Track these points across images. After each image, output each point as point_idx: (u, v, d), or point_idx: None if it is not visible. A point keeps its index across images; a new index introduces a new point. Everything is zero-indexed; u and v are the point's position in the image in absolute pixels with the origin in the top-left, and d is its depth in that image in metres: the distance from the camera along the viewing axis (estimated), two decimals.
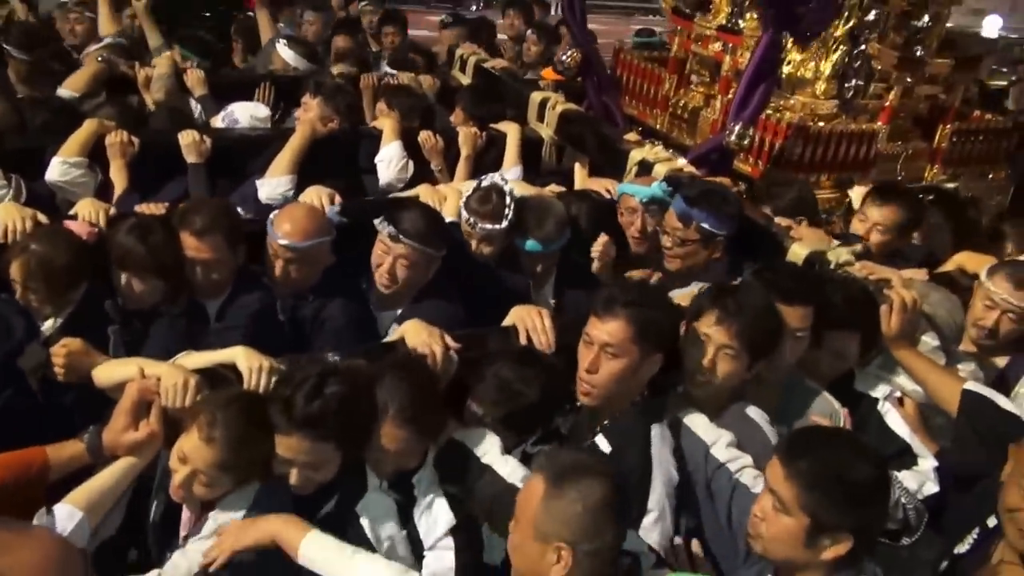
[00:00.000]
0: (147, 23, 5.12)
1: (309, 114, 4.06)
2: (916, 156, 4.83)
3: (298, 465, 2.16)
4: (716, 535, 2.43)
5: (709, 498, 2.46)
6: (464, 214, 3.34)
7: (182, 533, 2.22)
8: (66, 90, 4.12)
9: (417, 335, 2.55)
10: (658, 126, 4.97)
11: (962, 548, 2.41)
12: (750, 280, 2.78)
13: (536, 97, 4.79)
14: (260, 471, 2.18)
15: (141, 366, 2.27)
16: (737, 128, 3.76)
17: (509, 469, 2.32)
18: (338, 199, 3.36)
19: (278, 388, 2.20)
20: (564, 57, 5.00)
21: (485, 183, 3.40)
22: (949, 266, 3.60)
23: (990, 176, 5.24)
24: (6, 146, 3.39)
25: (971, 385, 2.72)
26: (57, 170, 3.38)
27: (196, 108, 4.36)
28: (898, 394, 2.85)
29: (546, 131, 4.69)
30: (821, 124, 4.18)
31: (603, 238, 3.42)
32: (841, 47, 4.34)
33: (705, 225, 3.27)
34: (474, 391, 2.47)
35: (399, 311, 3.21)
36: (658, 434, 2.45)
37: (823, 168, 4.22)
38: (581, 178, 4.30)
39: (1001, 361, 3.11)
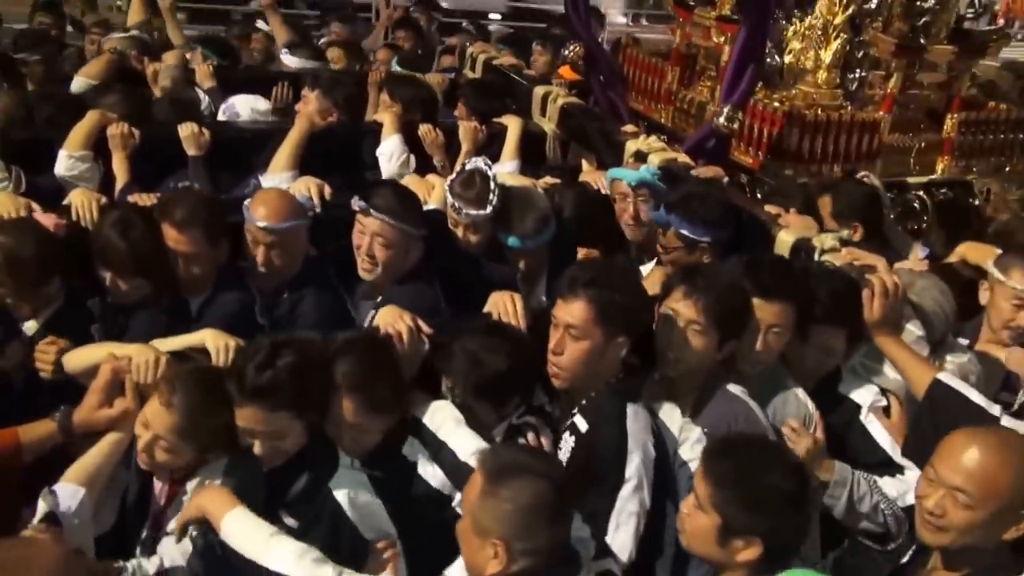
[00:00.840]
0: (171, 22, 5.23)
1: (308, 107, 4.10)
2: (928, 149, 4.67)
3: (259, 436, 2.18)
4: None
5: (675, 494, 2.46)
6: (449, 198, 3.31)
7: (154, 508, 2.27)
8: (82, 78, 4.20)
9: (385, 315, 2.57)
10: (663, 121, 4.91)
11: (905, 558, 2.36)
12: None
13: (539, 91, 4.78)
14: (223, 442, 2.21)
15: (111, 349, 2.32)
16: (726, 110, 3.70)
17: (462, 445, 2.32)
18: (328, 191, 3.37)
19: (235, 361, 2.23)
20: (567, 52, 5.00)
21: (469, 167, 3.39)
22: (952, 258, 3.52)
23: (1007, 168, 5.10)
24: (11, 138, 3.46)
25: (943, 375, 2.61)
26: (64, 164, 3.45)
27: (204, 100, 4.41)
28: (882, 402, 2.76)
29: (548, 125, 4.68)
30: (819, 112, 4.09)
31: (586, 252, 3.36)
32: (841, 35, 4.25)
33: (684, 232, 3.17)
34: (444, 368, 2.48)
35: (379, 299, 3.22)
36: (634, 411, 2.43)
37: (824, 159, 4.13)
38: (589, 174, 4.26)
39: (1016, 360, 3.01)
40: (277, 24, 5.67)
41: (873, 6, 4.35)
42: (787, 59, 4.36)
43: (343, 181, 3.91)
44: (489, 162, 3.45)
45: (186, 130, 3.69)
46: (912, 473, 2.58)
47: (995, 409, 2.51)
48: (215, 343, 2.39)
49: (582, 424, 2.47)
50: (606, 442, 2.39)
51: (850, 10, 4.24)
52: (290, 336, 2.29)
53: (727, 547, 1.99)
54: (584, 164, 4.44)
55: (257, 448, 2.19)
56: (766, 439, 2.36)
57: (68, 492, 2.15)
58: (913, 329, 2.81)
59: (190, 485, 2.23)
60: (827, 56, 4.29)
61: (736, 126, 3.75)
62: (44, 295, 2.69)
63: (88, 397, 2.25)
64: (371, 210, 3.02)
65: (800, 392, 2.72)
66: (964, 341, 3.14)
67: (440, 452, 2.33)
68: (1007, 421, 2.47)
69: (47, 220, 2.81)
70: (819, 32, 4.25)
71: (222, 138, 3.85)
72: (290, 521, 2.18)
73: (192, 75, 4.59)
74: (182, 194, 3.04)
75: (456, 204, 3.30)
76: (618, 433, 2.38)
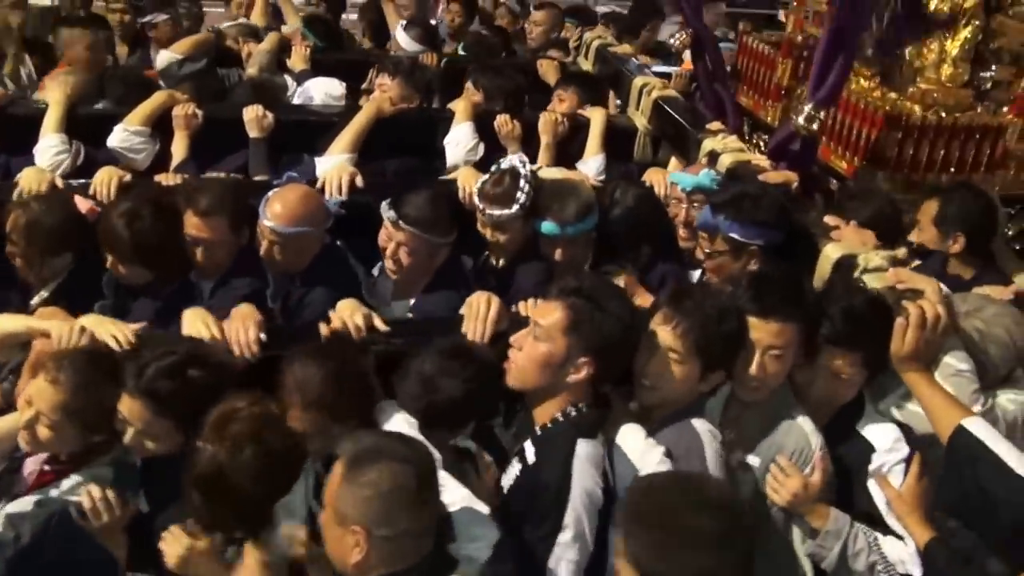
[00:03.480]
0: (286, 4, 5.24)
1: (386, 94, 3.94)
2: None
3: (133, 428, 2.05)
4: None
5: None
6: (476, 199, 3.08)
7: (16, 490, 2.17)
8: (169, 52, 4.22)
9: (340, 312, 2.36)
10: (770, 119, 4.35)
11: None
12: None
13: (637, 83, 4.37)
14: (106, 426, 2.08)
15: (29, 323, 2.25)
16: (807, 109, 3.17)
17: None
18: (359, 180, 3.21)
19: (141, 349, 2.10)
20: (673, 40, 4.54)
21: (504, 165, 3.12)
22: None
23: None
24: (79, 113, 3.50)
25: (970, 421, 2.10)
26: (118, 136, 3.46)
27: (292, 85, 4.37)
28: (901, 452, 2.31)
29: (640, 119, 4.27)
30: (926, 115, 3.42)
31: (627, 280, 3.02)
32: (973, 22, 3.55)
33: (733, 235, 2.79)
34: (397, 389, 2.24)
35: (412, 301, 3.03)
36: (584, 450, 2.13)
37: (930, 168, 3.47)
38: (652, 174, 3.83)
39: None
40: (390, 8, 5.56)
41: None
42: (908, 51, 3.69)
43: (411, 166, 3.81)
44: (526, 159, 3.17)
45: (250, 112, 3.61)
46: (908, 546, 2.18)
47: None
48: (196, 323, 2.28)
49: (531, 454, 2.19)
50: (546, 481, 2.11)
51: None
52: (207, 352, 2.14)
53: None
54: (672, 162, 4.02)
55: (127, 436, 2.06)
56: (688, 476, 1.98)
57: None
58: (953, 362, 2.33)
59: (66, 483, 2.09)
60: (953, 48, 3.60)
61: (816, 127, 3.19)
62: (52, 266, 2.70)
63: (24, 371, 2.19)
64: (400, 221, 2.87)
65: (805, 423, 2.35)
66: None
67: None
68: None
69: (83, 204, 2.84)
70: (944, 18, 3.56)
71: (290, 121, 3.76)
72: None
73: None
74: (208, 182, 2.98)
75: (481, 204, 3.05)
76: (561, 473, 2.09)
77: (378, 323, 2.35)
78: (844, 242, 2.70)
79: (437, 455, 1.91)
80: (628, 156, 4.24)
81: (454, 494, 1.91)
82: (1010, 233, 3.66)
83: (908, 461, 2.29)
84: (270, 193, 2.90)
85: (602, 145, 4.01)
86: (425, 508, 1.76)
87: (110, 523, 2.02)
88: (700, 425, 2.27)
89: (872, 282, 2.49)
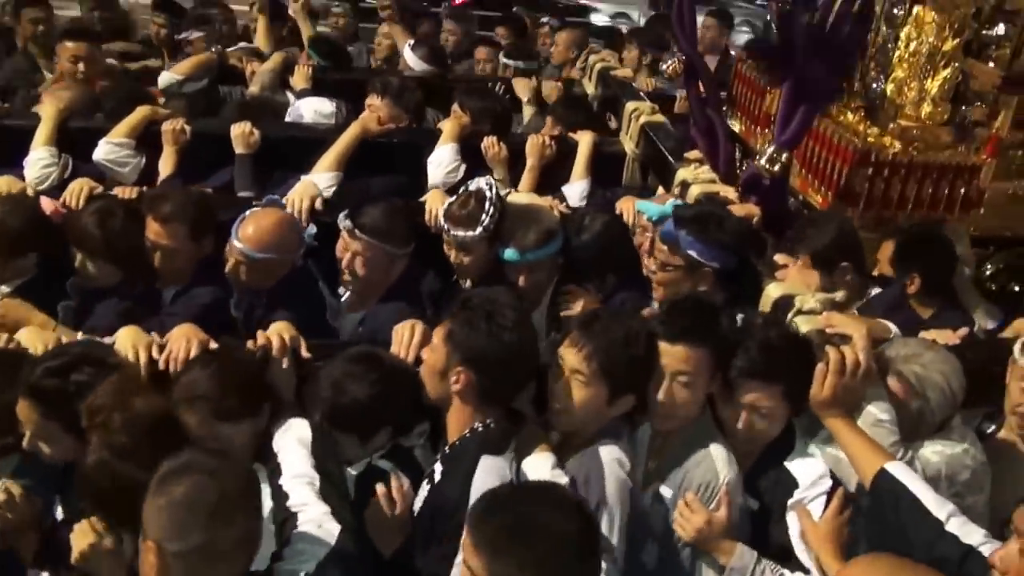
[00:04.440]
0: (302, 19, 5.34)
1: (374, 113, 3.98)
2: None
3: (28, 431, 2.10)
4: None
5: None
6: (440, 220, 3.11)
7: None
8: (170, 73, 4.34)
9: (276, 325, 2.40)
10: (759, 146, 4.31)
11: None
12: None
13: (629, 107, 4.37)
14: (9, 424, 2.12)
15: None
16: (770, 151, 3.15)
17: (289, 466, 2.05)
18: (319, 203, 3.28)
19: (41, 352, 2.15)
20: (665, 66, 4.52)
21: (471, 187, 3.15)
22: (1008, 332, 2.83)
23: None
24: (70, 126, 3.60)
25: (893, 466, 2.11)
26: (102, 150, 3.56)
27: (294, 103, 4.43)
28: (823, 486, 2.28)
29: (628, 144, 4.27)
30: (895, 152, 3.36)
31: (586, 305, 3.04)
32: (953, 64, 3.49)
33: (691, 252, 2.78)
34: (306, 393, 2.27)
35: (363, 314, 3.07)
36: (487, 465, 2.13)
37: (902, 206, 3.37)
38: (623, 202, 3.81)
39: None
40: (397, 30, 5.62)
41: (1000, 32, 3.54)
42: (889, 88, 3.63)
43: (396, 185, 3.85)
44: (492, 182, 3.19)
45: (236, 129, 3.69)
46: None
47: (943, 511, 2.01)
48: (125, 342, 2.29)
49: (438, 472, 2.19)
50: (446, 498, 2.12)
51: (964, 35, 3.46)
52: (102, 354, 2.16)
53: None
54: (660, 190, 4.01)
55: (25, 440, 2.11)
56: (543, 487, 1.99)
57: None
58: (875, 412, 2.27)
59: None
60: (933, 87, 3.53)
61: (778, 168, 3.16)
62: (15, 266, 2.78)
63: None
64: (356, 230, 2.91)
65: (718, 455, 2.31)
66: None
67: (273, 472, 2.07)
68: (954, 524, 1.98)
69: (48, 205, 2.92)
70: (924, 59, 3.50)
71: (279, 138, 3.83)
72: None
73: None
74: (171, 190, 3.03)
75: (445, 225, 3.08)
76: (460, 491, 2.10)
77: (303, 351, 2.36)
78: (787, 282, 2.68)
79: (305, 472, 1.96)
80: (618, 181, 4.26)
81: (308, 513, 1.90)
82: (988, 272, 3.58)
83: (831, 496, 2.25)
84: (247, 213, 2.95)
85: (588, 169, 4.02)
86: (227, 525, 1.67)
87: (11, 517, 2.03)
88: (606, 452, 2.25)
89: (803, 325, 2.45)
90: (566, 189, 3.97)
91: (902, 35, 3.57)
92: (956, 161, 3.37)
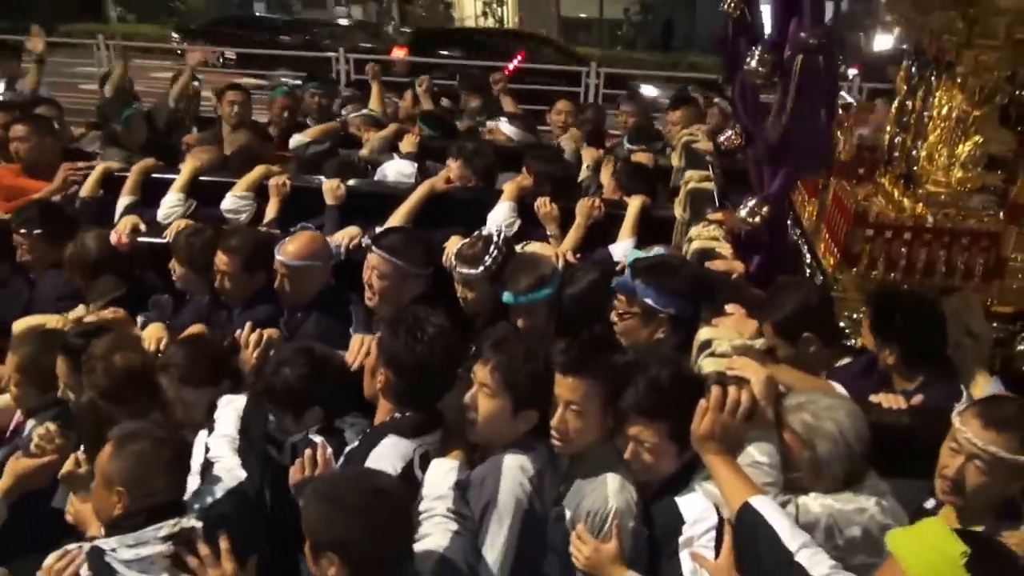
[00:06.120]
0: (376, 91, 6.19)
1: (446, 173, 4.47)
2: None
3: (62, 384, 2.83)
4: None
5: None
6: (452, 259, 3.46)
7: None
8: (300, 136, 5.13)
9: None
10: (805, 218, 4.26)
11: None
12: None
13: (686, 175, 4.51)
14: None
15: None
16: (751, 204, 3.19)
17: (218, 428, 2.50)
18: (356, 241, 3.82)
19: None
20: (722, 139, 4.60)
21: (483, 232, 3.48)
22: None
23: None
24: (199, 178, 4.43)
25: (757, 500, 2.11)
26: (228, 201, 4.34)
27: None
28: (696, 540, 2.25)
29: (677, 209, 4.40)
30: (897, 216, 3.22)
31: None
32: (984, 129, 3.34)
33: (647, 300, 2.91)
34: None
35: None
36: (390, 442, 2.45)
37: (910, 272, 3.23)
38: None
39: None
40: (508, 100, 6.16)
41: None
42: (922, 153, 3.54)
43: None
44: (502, 229, 3.51)
45: (328, 184, 4.33)
46: None
47: (796, 542, 2.01)
48: (149, 333, 2.96)
49: (352, 445, 2.54)
50: (350, 465, 2.43)
51: (995, 99, 3.31)
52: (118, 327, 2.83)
53: (318, 565, 2.00)
54: None
55: (59, 391, 2.78)
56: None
57: None
58: (754, 453, 2.25)
59: (29, 423, 2.78)
60: (964, 151, 3.40)
61: (758, 220, 3.18)
62: (96, 287, 3.53)
63: None
64: (373, 247, 3.36)
65: (612, 483, 2.36)
66: None
67: (209, 431, 2.51)
68: (804, 555, 1.99)
69: (114, 238, 3.68)
70: (954, 123, 3.39)
71: (363, 193, 4.43)
72: None
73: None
74: (241, 229, 3.69)
75: (454, 263, 3.43)
76: (360, 460, 2.40)
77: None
78: (719, 328, 2.71)
79: (229, 432, 2.43)
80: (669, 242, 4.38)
81: (223, 463, 2.36)
82: (1020, 348, 3.30)
83: (718, 530, 2.23)
84: (288, 238, 3.52)
85: (633, 230, 4.17)
86: (178, 474, 2.25)
87: (54, 458, 2.59)
88: (511, 459, 2.41)
89: (707, 365, 2.49)
90: (612, 247, 4.16)
91: (934, 100, 3.51)
92: (966, 227, 3.20)
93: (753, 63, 2.98)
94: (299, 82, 7.29)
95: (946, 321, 2.93)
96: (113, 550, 2.08)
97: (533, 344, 2.51)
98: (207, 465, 2.36)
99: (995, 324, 3.32)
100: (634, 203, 4.28)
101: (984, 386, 2.96)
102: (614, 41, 28.72)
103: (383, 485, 2.07)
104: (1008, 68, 3.30)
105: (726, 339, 2.57)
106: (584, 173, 5.16)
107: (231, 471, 2.33)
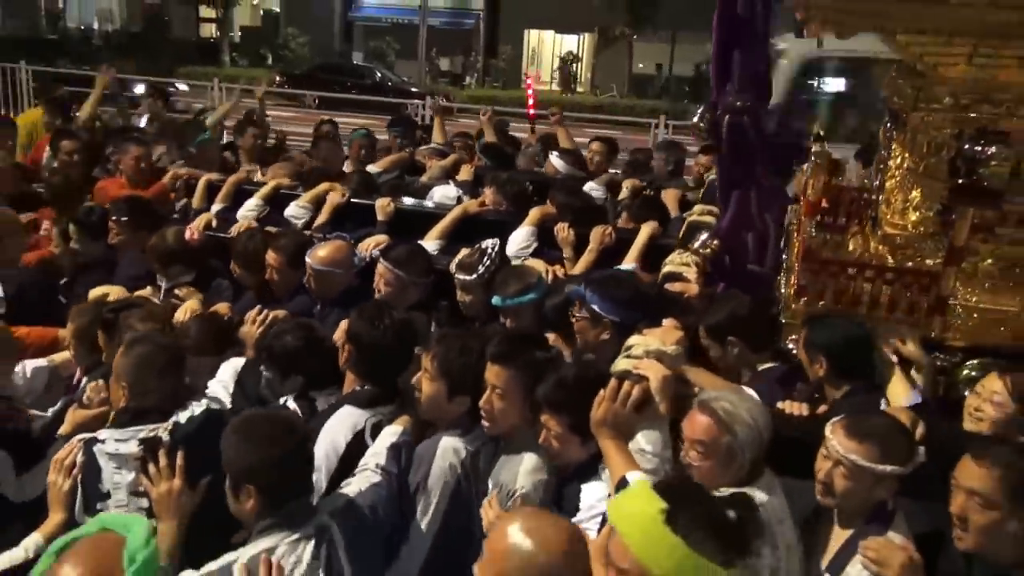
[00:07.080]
0: (439, 126, 6.87)
1: (480, 198, 5.06)
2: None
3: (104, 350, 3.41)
4: None
5: None
6: (452, 268, 4.02)
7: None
8: (373, 166, 5.90)
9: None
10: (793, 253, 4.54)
11: None
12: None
13: (695, 208, 4.91)
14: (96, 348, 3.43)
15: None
16: (703, 238, 3.57)
17: (218, 376, 3.13)
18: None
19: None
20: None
21: (481, 245, 4.02)
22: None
23: None
24: (279, 191, 5.25)
25: (632, 474, 2.39)
26: (291, 209, 5.08)
27: (453, 191, 5.62)
28: (587, 524, 2.47)
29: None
30: (832, 254, 3.51)
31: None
32: (934, 179, 3.60)
33: (593, 306, 3.31)
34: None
35: None
36: (344, 411, 2.91)
37: (856, 308, 3.44)
38: None
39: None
40: (563, 134, 6.77)
41: (989, 151, 3.55)
42: (881, 198, 3.83)
43: None
44: (497, 243, 4.04)
45: (380, 203, 4.98)
46: None
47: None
48: (186, 306, 3.71)
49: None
50: (312, 428, 2.82)
51: (943, 153, 3.56)
52: (145, 303, 3.53)
53: (239, 501, 2.31)
54: None
55: (104, 356, 3.35)
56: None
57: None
58: (641, 441, 2.58)
59: (85, 379, 3.41)
60: (917, 195, 3.67)
61: (709, 252, 3.54)
62: (170, 272, 4.27)
63: None
64: (380, 258, 3.95)
65: (527, 463, 2.67)
66: None
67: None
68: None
69: (188, 234, 4.42)
70: (907, 173, 3.67)
71: (409, 212, 5.08)
72: None
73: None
74: (289, 233, 4.40)
75: (454, 270, 3.99)
76: (319, 426, 2.86)
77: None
78: (647, 335, 2.93)
79: (225, 379, 3.07)
80: None
81: (213, 392, 3.01)
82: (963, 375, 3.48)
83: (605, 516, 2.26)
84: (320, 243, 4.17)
85: (638, 255, 4.57)
86: (173, 375, 2.73)
87: (104, 409, 2.95)
88: (446, 441, 2.74)
89: (620, 364, 2.73)
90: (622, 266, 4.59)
91: (893, 151, 3.81)
92: (913, 266, 3.44)
93: (695, 119, 3.41)
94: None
95: (871, 340, 3.21)
96: (103, 441, 2.50)
97: (471, 340, 2.84)
98: (200, 396, 2.92)
99: (938, 354, 3.54)
100: (644, 230, 4.66)
101: (902, 397, 3.20)
102: (680, 96, 29.95)
103: (289, 420, 2.49)
104: (954, 128, 3.48)
105: (645, 344, 2.87)
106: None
107: (217, 399, 2.92)
